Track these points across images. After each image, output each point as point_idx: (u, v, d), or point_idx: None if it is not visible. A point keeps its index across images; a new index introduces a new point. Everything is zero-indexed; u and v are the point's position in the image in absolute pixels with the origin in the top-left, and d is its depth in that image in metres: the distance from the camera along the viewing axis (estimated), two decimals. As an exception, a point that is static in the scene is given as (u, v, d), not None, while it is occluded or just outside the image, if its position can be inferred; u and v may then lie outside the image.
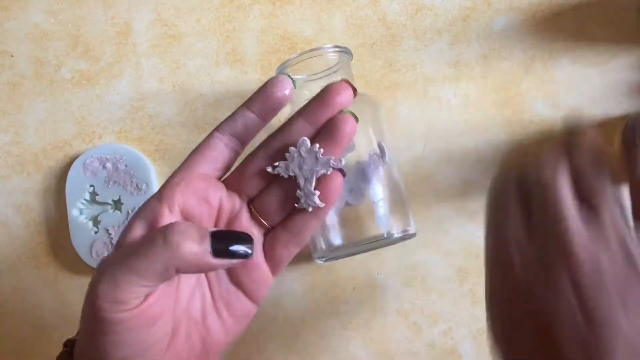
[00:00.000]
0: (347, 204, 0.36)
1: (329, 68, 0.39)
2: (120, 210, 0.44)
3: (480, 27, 0.45)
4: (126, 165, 0.44)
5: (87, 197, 0.45)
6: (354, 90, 0.28)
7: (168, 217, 0.26)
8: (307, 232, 0.28)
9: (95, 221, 0.44)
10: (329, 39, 0.46)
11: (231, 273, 0.29)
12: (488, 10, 0.45)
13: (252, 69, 0.46)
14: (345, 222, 0.37)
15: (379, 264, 0.44)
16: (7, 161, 0.47)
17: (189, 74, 0.46)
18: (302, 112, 0.28)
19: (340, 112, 0.27)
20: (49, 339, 0.45)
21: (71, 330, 0.45)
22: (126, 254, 0.24)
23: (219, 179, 0.29)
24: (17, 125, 0.47)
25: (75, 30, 0.47)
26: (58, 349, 0.45)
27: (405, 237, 0.38)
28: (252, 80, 0.46)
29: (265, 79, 0.45)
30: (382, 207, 0.37)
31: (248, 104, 0.28)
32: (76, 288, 0.45)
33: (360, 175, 0.37)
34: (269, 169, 0.27)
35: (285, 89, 0.28)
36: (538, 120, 0.44)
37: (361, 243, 0.37)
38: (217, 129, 0.28)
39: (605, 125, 0.44)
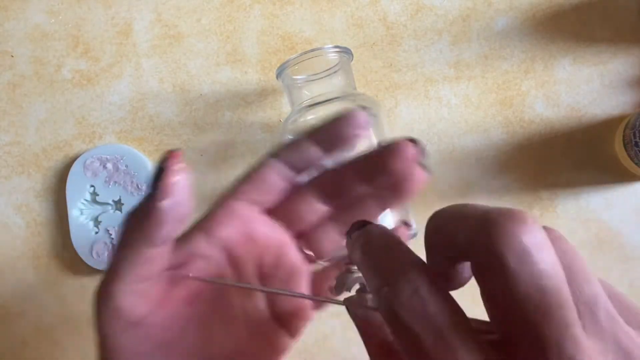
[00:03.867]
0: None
1: (329, 68, 0.39)
2: (120, 210, 0.44)
3: (480, 27, 0.45)
4: (127, 166, 0.44)
5: (88, 197, 0.45)
6: (422, 150, 0.25)
7: (205, 249, 0.24)
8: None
9: (96, 221, 0.44)
10: (329, 39, 0.46)
11: (272, 303, 0.26)
12: (488, 10, 0.45)
13: (253, 69, 0.46)
14: (346, 222, 0.37)
15: (379, 264, 0.44)
16: (7, 161, 0.47)
17: (189, 74, 0.46)
18: (356, 161, 0.25)
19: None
20: (49, 339, 0.45)
21: (71, 330, 0.45)
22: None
23: (267, 210, 0.26)
24: (17, 125, 0.47)
25: (75, 31, 0.47)
26: (58, 349, 0.46)
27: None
28: (253, 80, 0.46)
29: (265, 79, 0.46)
30: (382, 207, 0.37)
31: (312, 136, 0.25)
32: (76, 288, 0.45)
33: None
34: (307, 252, 0.26)
35: (358, 126, 0.25)
36: (538, 120, 0.44)
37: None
38: (273, 155, 0.25)
39: (605, 125, 0.44)
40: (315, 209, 0.26)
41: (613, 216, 0.43)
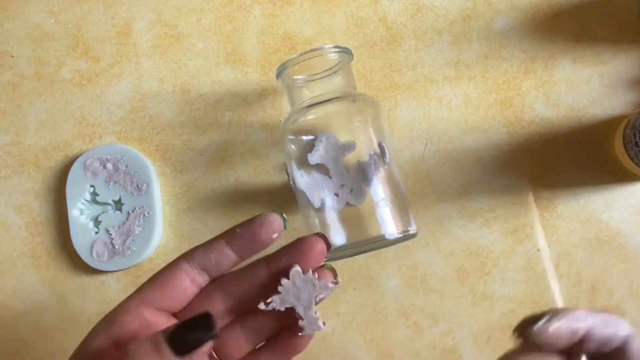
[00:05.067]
0: (347, 204, 0.36)
1: (329, 68, 0.39)
2: (120, 210, 0.44)
3: (480, 27, 0.45)
4: (126, 166, 0.44)
5: (88, 197, 0.45)
6: (327, 244, 0.27)
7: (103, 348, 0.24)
8: None
9: (96, 221, 0.44)
10: (329, 39, 0.46)
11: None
12: (488, 10, 0.45)
13: (253, 69, 0.46)
14: (346, 222, 0.37)
15: (379, 264, 0.44)
16: (7, 161, 0.47)
17: (189, 74, 0.46)
18: (267, 259, 0.27)
19: (322, 266, 0.27)
20: (49, 339, 0.45)
21: (71, 330, 0.45)
22: None
23: (175, 313, 0.27)
24: (17, 125, 0.47)
25: (75, 31, 0.47)
26: (58, 349, 0.45)
27: (406, 237, 0.38)
28: (253, 80, 0.46)
29: (265, 79, 0.46)
30: (382, 207, 0.37)
31: (228, 238, 0.26)
32: (76, 288, 0.45)
33: (360, 176, 0.37)
34: (262, 306, 0.26)
35: (274, 232, 0.26)
36: (538, 120, 0.44)
37: (362, 243, 0.37)
38: (186, 258, 0.26)
39: (605, 125, 0.44)
40: (218, 308, 0.26)
41: (613, 216, 0.43)
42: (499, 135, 0.44)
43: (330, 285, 0.26)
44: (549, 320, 0.23)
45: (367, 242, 0.37)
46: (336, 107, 0.38)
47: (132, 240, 0.44)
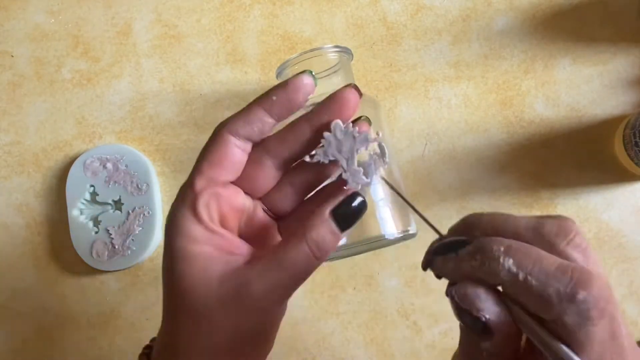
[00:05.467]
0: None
1: (330, 68, 0.39)
2: (120, 210, 0.44)
3: (480, 27, 0.45)
4: (126, 165, 0.44)
5: (88, 197, 0.45)
6: (359, 93, 0.28)
7: (208, 229, 0.26)
8: None
9: (96, 221, 0.44)
10: (329, 39, 0.46)
11: None
12: (488, 10, 0.45)
13: (253, 69, 0.46)
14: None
15: (379, 264, 0.44)
16: (7, 161, 0.47)
17: (189, 74, 0.46)
18: (308, 117, 0.27)
19: (358, 118, 0.28)
20: (49, 339, 0.45)
21: (71, 330, 0.45)
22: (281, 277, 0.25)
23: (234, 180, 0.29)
24: (17, 125, 0.47)
25: (75, 30, 0.47)
26: (58, 349, 0.46)
27: (406, 237, 0.38)
28: (253, 80, 0.46)
29: (265, 79, 0.46)
30: (382, 207, 0.37)
31: (266, 106, 0.27)
32: (76, 288, 0.45)
33: (360, 175, 0.37)
34: (307, 159, 0.27)
35: (309, 93, 0.27)
36: (538, 120, 0.44)
37: (362, 243, 0.37)
38: (230, 131, 0.27)
39: (605, 125, 0.44)
40: (269, 172, 0.28)
41: (613, 216, 0.43)
42: (499, 135, 0.44)
43: (370, 137, 0.27)
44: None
45: (367, 242, 0.37)
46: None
47: (132, 240, 0.44)
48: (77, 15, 0.47)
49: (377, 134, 0.27)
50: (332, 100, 0.27)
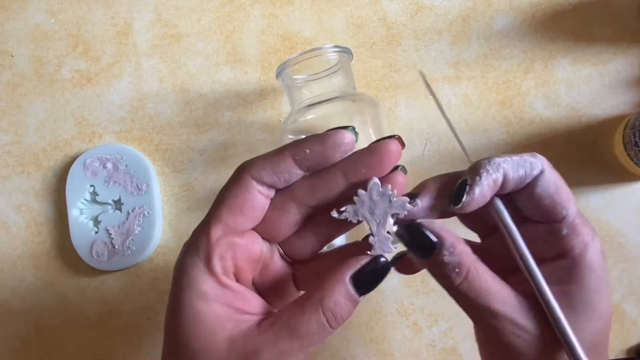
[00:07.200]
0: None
1: (330, 68, 0.39)
2: (120, 210, 0.44)
3: (480, 27, 0.45)
4: (126, 165, 0.44)
5: (88, 197, 0.45)
6: (402, 144, 0.26)
7: (220, 284, 0.25)
8: None
9: (96, 221, 0.44)
10: (329, 39, 0.46)
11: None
12: (488, 10, 0.45)
13: (253, 69, 0.46)
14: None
15: (379, 264, 0.44)
16: (7, 161, 0.47)
17: (189, 74, 0.46)
18: (344, 167, 0.25)
19: (395, 168, 0.26)
20: (49, 339, 0.45)
21: (71, 330, 0.45)
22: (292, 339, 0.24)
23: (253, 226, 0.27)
24: (17, 125, 0.47)
25: (75, 30, 0.47)
26: (58, 349, 0.46)
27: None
28: (252, 80, 0.46)
29: (265, 79, 0.46)
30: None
31: (297, 157, 0.25)
32: (76, 288, 0.45)
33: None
34: (334, 214, 0.25)
35: (348, 151, 0.25)
36: (538, 120, 0.44)
37: (361, 243, 0.37)
38: (254, 177, 0.25)
39: (605, 125, 0.44)
40: (293, 219, 0.26)
41: (613, 216, 0.43)
42: (499, 135, 0.44)
43: (408, 206, 0.25)
44: (471, 189, 0.25)
45: (367, 242, 0.37)
46: (336, 107, 0.38)
47: (132, 240, 0.44)
48: (77, 15, 0.47)
49: (417, 202, 0.25)
50: (372, 153, 0.25)
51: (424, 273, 0.45)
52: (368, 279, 0.25)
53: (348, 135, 0.25)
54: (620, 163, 0.43)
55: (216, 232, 0.25)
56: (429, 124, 0.45)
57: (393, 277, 0.44)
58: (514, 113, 0.44)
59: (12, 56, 0.47)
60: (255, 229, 0.27)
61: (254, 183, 0.25)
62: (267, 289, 0.28)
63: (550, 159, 0.45)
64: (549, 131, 0.44)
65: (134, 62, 0.46)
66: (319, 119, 0.38)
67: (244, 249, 0.26)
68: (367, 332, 0.44)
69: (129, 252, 0.43)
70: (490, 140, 0.44)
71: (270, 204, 0.26)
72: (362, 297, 0.24)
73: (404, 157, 0.44)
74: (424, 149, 0.44)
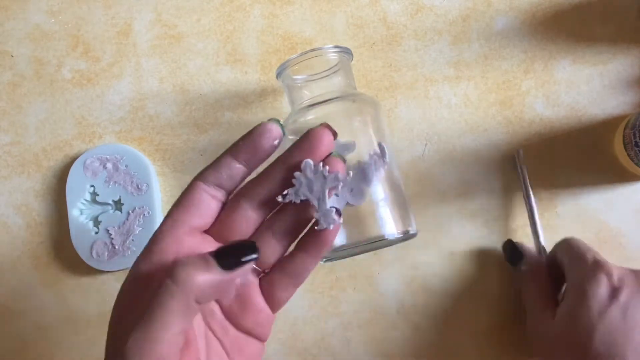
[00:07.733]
0: (347, 204, 0.36)
1: (330, 68, 0.39)
2: (120, 210, 0.44)
3: (480, 27, 0.45)
4: (126, 166, 0.44)
5: (88, 197, 0.45)
6: (334, 133, 0.28)
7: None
8: (305, 274, 0.29)
9: (96, 221, 0.44)
10: (329, 39, 0.46)
11: (235, 321, 0.29)
12: (488, 10, 0.45)
13: (253, 69, 0.46)
14: (346, 222, 0.37)
15: (379, 264, 0.44)
16: (7, 161, 0.47)
17: (189, 74, 0.46)
18: (282, 158, 0.28)
19: (329, 155, 0.28)
20: (49, 339, 0.45)
21: (71, 330, 0.45)
22: (143, 316, 0.24)
23: (206, 230, 0.28)
24: (17, 125, 0.47)
25: (75, 30, 0.47)
26: (58, 349, 0.46)
27: (406, 237, 0.38)
28: (253, 80, 0.46)
29: (265, 79, 0.46)
30: (382, 207, 0.37)
31: (233, 152, 0.28)
32: (76, 288, 0.45)
33: (360, 176, 0.37)
34: (279, 199, 0.27)
35: (274, 139, 0.27)
36: (538, 120, 0.44)
37: (362, 243, 0.37)
38: (200, 178, 0.28)
39: (605, 125, 0.44)
40: (248, 217, 0.28)
41: (613, 216, 0.43)
42: (499, 135, 0.44)
43: (340, 176, 0.27)
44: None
45: (367, 242, 0.37)
46: (336, 107, 0.38)
47: (132, 240, 0.44)
48: (77, 15, 0.47)
49: (349, 173, 0.28)
50: (304, 140, 0.27)
51: (425, 273, 0.45)
52: (227, 252, 0.25)
53: (270, 124, 0.27)
54: (620, 163, 0.43)
55: (164, 228, 0.27)
56: (429, 124, 0.45)
57: (393, 277, 0.44)
58: (514, 113, 0.44)
59: (12, 56, 0.47)
60: (211, 234, 0.28)
61: (201, 184, 0.28)
62: (231, 304, 0.28)
63: (550, 159, 0.45)
64: (549, 131, 0.44)
65: (134, 62, 0.46)
66: (319, 119, 0.38)
67: (189, 246, 0.27)
68: (367, 332, 0.44)
69: (129, 252, 0.43)
70: (490, 140, 0.44)
71: (225, 207, 0.28)
72: (228, 270, 0.25)
73: (404, 157, 0.45)
74: (424, 149, 0.45)
